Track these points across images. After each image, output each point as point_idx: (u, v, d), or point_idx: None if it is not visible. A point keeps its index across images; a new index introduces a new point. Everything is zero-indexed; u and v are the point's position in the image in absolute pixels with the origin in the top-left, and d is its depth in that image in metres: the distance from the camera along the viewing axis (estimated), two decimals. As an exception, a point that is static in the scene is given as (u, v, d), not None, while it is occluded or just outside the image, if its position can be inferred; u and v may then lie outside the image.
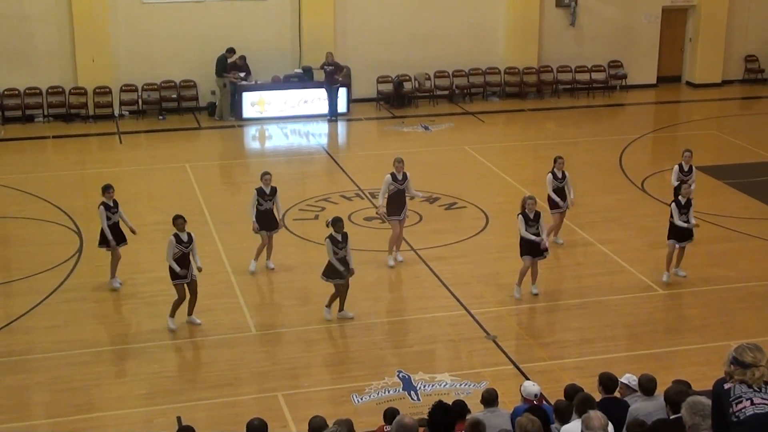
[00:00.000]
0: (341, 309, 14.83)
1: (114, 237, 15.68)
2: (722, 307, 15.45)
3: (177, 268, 14.20)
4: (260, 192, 16.18)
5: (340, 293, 14.71)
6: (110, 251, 15.82)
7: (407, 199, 16.87)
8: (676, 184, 17.14)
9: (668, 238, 16.00)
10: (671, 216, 15.83)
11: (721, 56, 29.98)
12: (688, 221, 15.74)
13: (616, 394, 9.91)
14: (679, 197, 15.87)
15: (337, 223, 14.48)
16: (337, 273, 14.53)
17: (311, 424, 9.24)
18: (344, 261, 14.53)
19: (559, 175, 17.16)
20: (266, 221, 16.31)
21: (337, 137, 25.85)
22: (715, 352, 13.41)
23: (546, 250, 15.51)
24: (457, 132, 25.53)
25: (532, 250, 15.31)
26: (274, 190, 16.23)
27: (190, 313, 14.61)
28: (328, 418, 9.59)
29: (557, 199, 17.08)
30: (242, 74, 25.84)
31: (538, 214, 15.26)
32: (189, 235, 14.40)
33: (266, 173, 16.32)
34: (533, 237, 15.16)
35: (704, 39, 29.71)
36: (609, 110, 28.20)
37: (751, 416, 6.11)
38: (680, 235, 15.88)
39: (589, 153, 23.32)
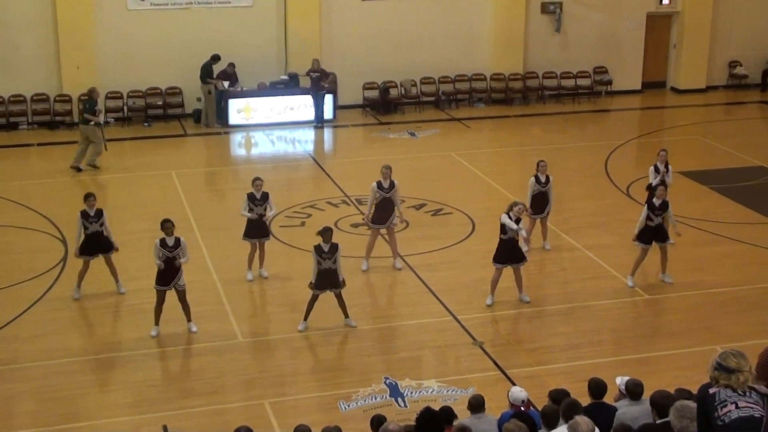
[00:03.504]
0: (346, 316, 14.83)
1: (87, 247, 15.60)
2: (706, 311, 15.50)
3: (161, 266, 14.18)
4: (250, 197, 16.14)
5: (339, 302, 14.70)
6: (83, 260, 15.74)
7: (395, 207, 16.81)
8: (656, 182, 17.17)
9: (636, 240, 16.08)
10: (647, 218, 15.90)
11: (705, 62, 30.13)
12: (657, 222, 15.79)
13: (613, 397, 9.92)
14: (654, 199, 15.94)
15: (325, 232, 14.42)
16: (317, 282, 14.52)
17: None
18: (329, 272, 14.48)
19: (542, 179, 17.21)
20: (255, 228, 16.27)
21: (323, 144, 25.86)
22: (700, 356, 13.45)
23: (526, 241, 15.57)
24: (444, 138, 25.57)
25: (510, 256, 15.29)
26: (265, 196, 16.18)
27: (188, 320, 14.63)
28: (316, 426, 9.58)
29: (529, 209, 17.07)
30: (226, 83, 25.83)
31: (519, 220, 15.23)
32: (177, 240, 14.36)
33: (257, 179, 16.27)
34: (516, 227, 15.06)
35: (688, 45, 29.85)
36: (594, 116, 28.29)
37: (736, 419, 6.18)
38: (648, 236, 15.92)
39: (574, 158, 23.38)
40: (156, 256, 14.26)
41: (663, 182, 17.12)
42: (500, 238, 15.25)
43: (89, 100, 22.83)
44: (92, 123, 22.44)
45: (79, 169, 22.28)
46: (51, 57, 25.71)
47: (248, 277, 16.45)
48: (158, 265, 14.24)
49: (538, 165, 17.34)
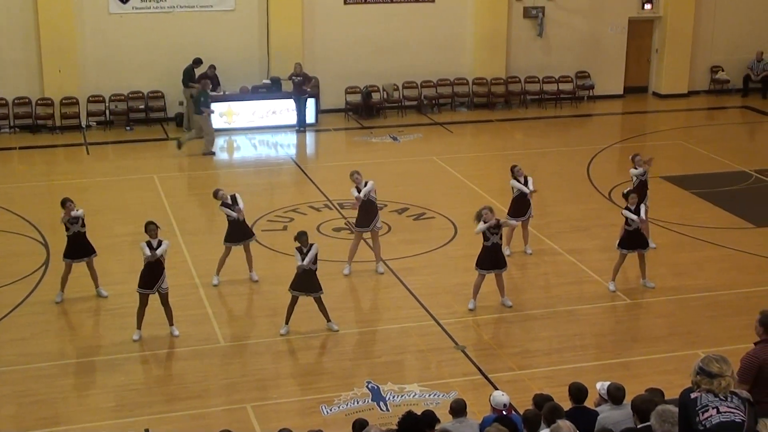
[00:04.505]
0: (328, 320, 14.84)
1: (70, 250, 15.56)
2: (688, 316, 15.55)
3: (151, 257, 14.19)
4: (225, 205, 16.18)
5: (319, 306, 14.70)
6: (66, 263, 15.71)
7: (378, 210, 16.85)
8: (636, 181, 17.37)
9: (618, 246, 16.16)
10: (625, 223, 15.99)
11: (687, 67, 30.25)
12: (635, 226, 15.90)
13: (593, 402, 9.94)
14: (628, 205, 16.03)
15: (301, 237, 14.48)
16: (296, 283, 14.56)
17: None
18: (307, 273, 14.48)
19: (522, 181, 17.27)
20: (240, 232, 16.28)
21: (305, 148, 25.84)
22: (682, 360, 13.50)
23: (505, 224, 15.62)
24: (426, 142, 25.59)
25: (493, 262, 15.32)
26: (234, 198, 16.23)
27: (170, 324, 14.63)
28: (298, 430, 9.58)
29: (528, 189, 17.17)
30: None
31: (499, 222, 15.23)
32: (160, 242, 14.39)
33: (218, 190, 16.47)
34: (486, 225, 15.10)
35: (670, 50, 29.96)
36: (576, 120, 28.35)
37: (717, 424, 6.20)
38: (629, 242, 16.01)
39: (556, 163, 23.43)
40: (145, 252, 14.28)
41: (642, 183, 17.34)
42: (483, 245, 15.28)
43: (203, 92, 24.24)
44: (205, 114, 24.13)
45: (180, 146, 24.18)
46: (33, 61, 25.61)
47: (214, 281, 16.40)
48: (147, 258, 14.24)
49: (512, 170, 17.34)
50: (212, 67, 25.95)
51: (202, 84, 24.48)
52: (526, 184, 17.29)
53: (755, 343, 8.67)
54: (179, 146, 24.14)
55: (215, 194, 16.37)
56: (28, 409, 12.73)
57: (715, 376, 6.30)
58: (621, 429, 8.41)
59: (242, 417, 12.48)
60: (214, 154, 24.19)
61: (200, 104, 24.20)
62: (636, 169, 17.58)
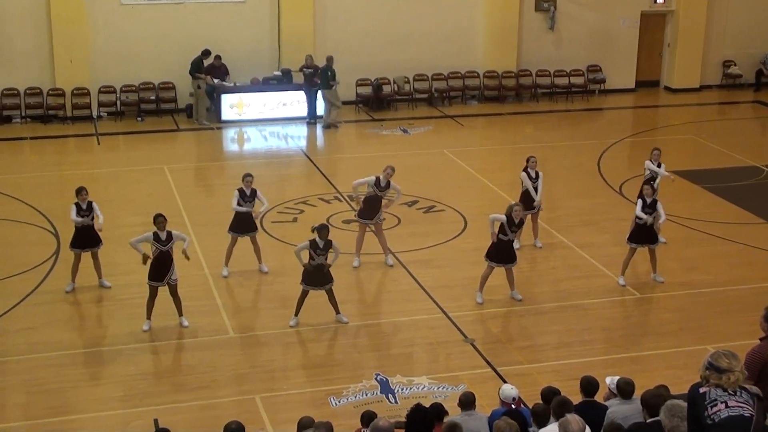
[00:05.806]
0: (337, 313, 14.84)
1: (77, 240, 15.64)
2: (698, 311, 15.52)
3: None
4: (241, 193, 16.18)
5: (330, 298, 14.71)
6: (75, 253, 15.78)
7: (383, 205, 16.84)
8: (648, 174, 17.34)
9: (628, 240, 16.12)
10: (636, 217, 15.97)
11: (699, 61, 30.16)
12: (649, 220, 15.86)
13: (602, 396, 9.93)
14: (644, 196, 15.99)
15: (322, 230, 14.44)
16: (307, 278, 14.54)
17: (300, 424, 9.29)
18: (321, 268, 14.49)
19: (533, 175, 17.24)
20: (245, 223, 16.32)
21: (315, 140, 25.83)
22: (691, 355, 13.48)
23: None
24: (436, 135, 25.56)
25: (503, 256, 15.31)
26: (254, 192, 16.23)
27: (180, 314, 14.67)
28: (306, 421, 9.59)
29: (535, 196, 17.14)
30: (216, 80, 25.76)
31: (522, 222, 15.30)
32: (169, 233, 14.39)
33: (248, 175, 16.32)
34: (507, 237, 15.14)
35: (682, 44, 29.88)
36: (588, 114, 28.30)
37: (726, 419, 6.19)
38: (639, 237, 15.97)
39: (567, 157, 23.38)
40: (137, 240, 14.36)
41: (653, 179, 17.28)
42: (499, 238, 15.23)
43: (329, 67, 25.55)
44: (334, 87, 25.63)
45: (330, 126, 25.94)
46: (44, 51, 25.64)
47: (224, 273, 16.42)
48: (132, 245, 14.35)
49: (528, 160, 17.38)
50: (217, 57, 25.95)
51: (327, 59, 25.43)
52: (537, 178, 17.24)
53: (760, 339, 8.64)
54: (335, 127, 25.80)
55: (243, 177, 16.33)
56: (37, 398, 12.76)
57: (724, 371, 6.29)
58: (630, 423, 8.40)
59: (251, 408, 12.50)
60: (338, 126, 25.89)
61: (328, 79, 25.34)
62: (651, 163, 17.54)
